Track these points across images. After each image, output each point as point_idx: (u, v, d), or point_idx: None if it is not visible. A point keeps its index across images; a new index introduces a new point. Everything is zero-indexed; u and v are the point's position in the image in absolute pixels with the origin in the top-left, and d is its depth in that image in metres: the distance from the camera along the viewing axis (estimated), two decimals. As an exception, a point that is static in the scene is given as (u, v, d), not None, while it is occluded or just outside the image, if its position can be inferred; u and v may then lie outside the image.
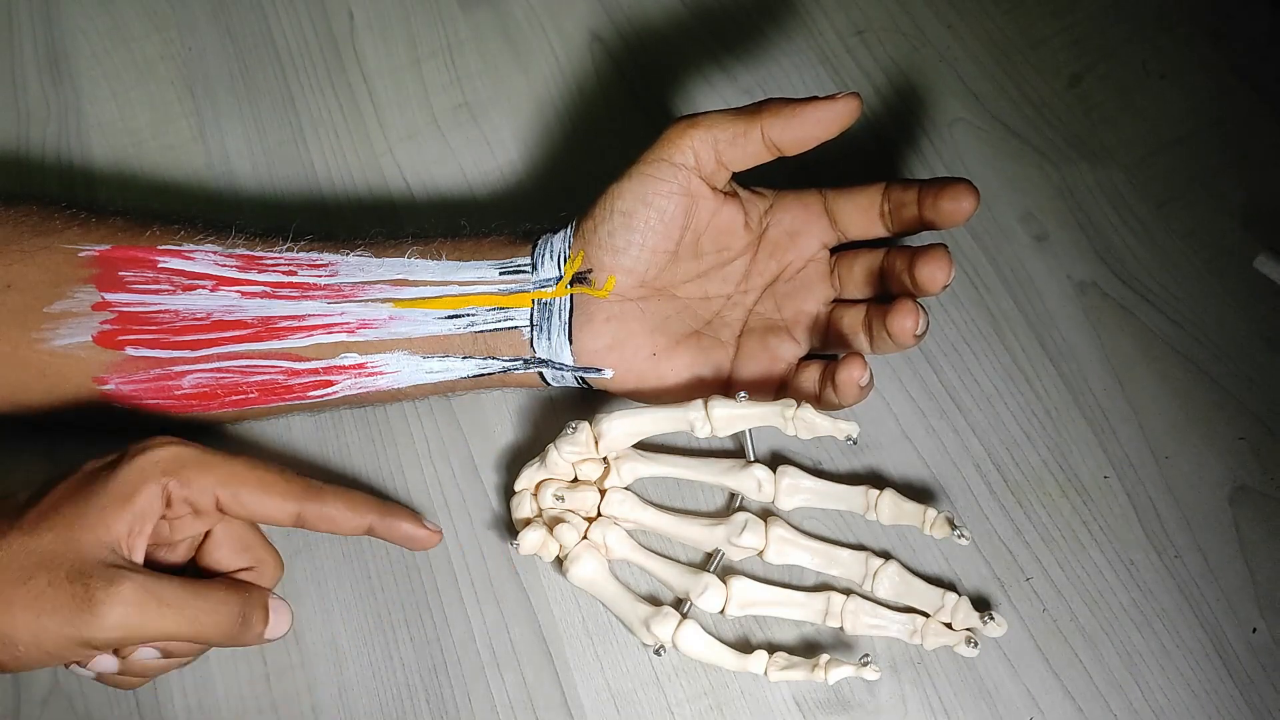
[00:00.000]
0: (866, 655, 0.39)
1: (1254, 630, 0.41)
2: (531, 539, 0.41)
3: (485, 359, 0.43)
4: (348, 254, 0.44)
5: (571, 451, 0.41)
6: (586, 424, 0.41)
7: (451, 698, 0.41)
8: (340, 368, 0.43)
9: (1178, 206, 0.49)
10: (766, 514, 0.42)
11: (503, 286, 0.43)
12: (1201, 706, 0.40)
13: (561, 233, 0.43)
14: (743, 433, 0.42)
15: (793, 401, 0.40)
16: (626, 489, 0.43)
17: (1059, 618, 0.42)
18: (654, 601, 0.42)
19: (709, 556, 0.42)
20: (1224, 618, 0.41)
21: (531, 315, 0.43)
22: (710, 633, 0.41)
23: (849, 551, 0.42)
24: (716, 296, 0.44)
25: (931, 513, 0.41)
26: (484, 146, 0.53)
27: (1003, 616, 0.41)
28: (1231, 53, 0.52)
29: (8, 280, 0.41)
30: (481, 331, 0.43)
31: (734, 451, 0.44)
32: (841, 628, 0.41)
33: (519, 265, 0.43)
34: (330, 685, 0.42)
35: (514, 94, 0.54)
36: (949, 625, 0.41)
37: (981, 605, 0.41)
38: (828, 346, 0.43)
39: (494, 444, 0.46)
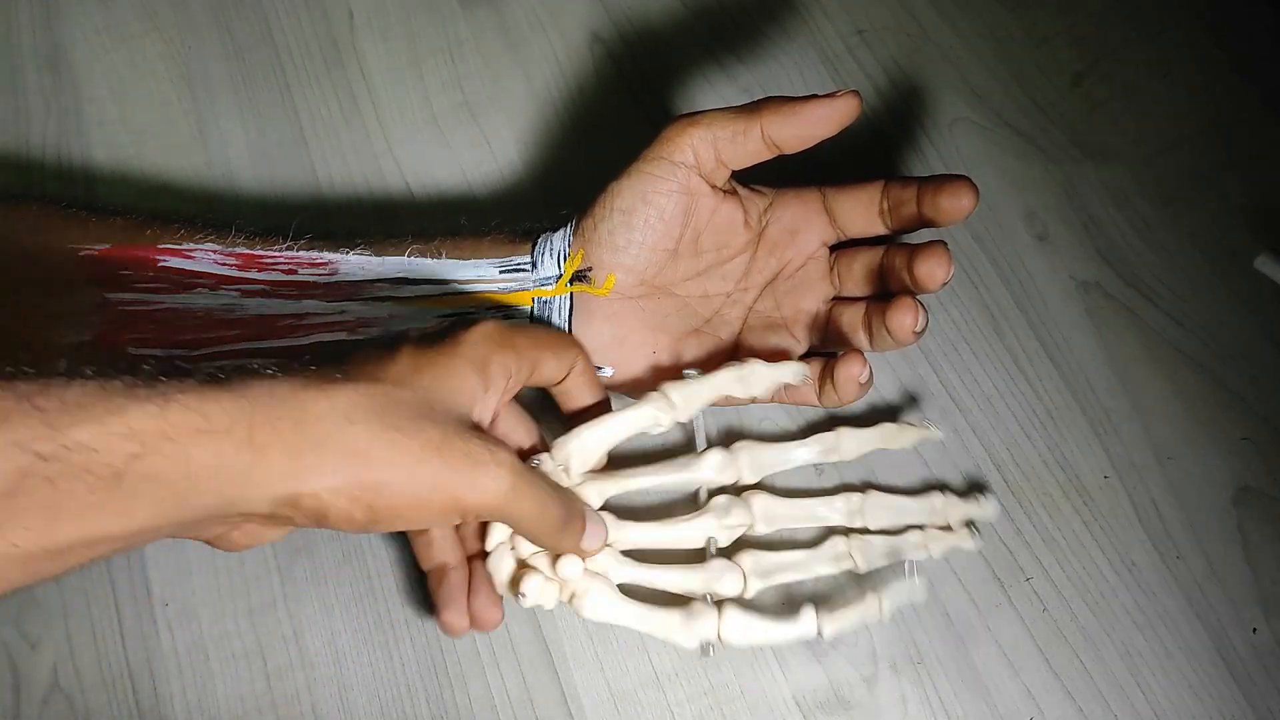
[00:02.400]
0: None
1: (1255, 631, 0.41)
2: (535, 586, 0.38)
3: None
4: (348, 253, 0.44)
5: None
6: (547, 456, 0.39)
7: (451, 698, 0.41)
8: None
9: (1180, 206, 0.49)
10: (742, 490, 0.42)
11: (503, 285, 0.43)
12: (1203, 707, 0.40)
13: (561, 231, 0.43)
14: (692, 424, 0.41)
15: (739, 362, 0.40)
16: (601, 509, 0.41)
17: (1059, 618, 0.42)
18: (679, 602, 0.40)
19: (704, 550, 0.42)
20: (1226, 619, 0.41)
21: (532, 314, 0.42)
22: (750, 612, 0.39)
23: (830, 498, 0.42)
24: (716, 294, 0.44)
25: (891, 427, 0.41)
26: (484, 146, 0.52)
27: (993, 496, 0.42)
28: (1234, 52, 0.52)
29: (8, 281, 0.41)
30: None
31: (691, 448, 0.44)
32: (856, 566, 0.41)
33: (519, 264, 0.43)
34: (330, 685, 0.42)
35: (514, 94, 0.54)
36: (948, 528, 0.41)
37: (971, 491, 0.42)
38: (827, 344, 0.43)
39: (494, 444, 0.46)
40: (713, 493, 0.42)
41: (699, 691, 0.41)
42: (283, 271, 0.43)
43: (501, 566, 0.39)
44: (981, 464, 0.44)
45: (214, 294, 0.42)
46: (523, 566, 0.39)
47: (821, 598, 0.40)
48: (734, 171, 0.42)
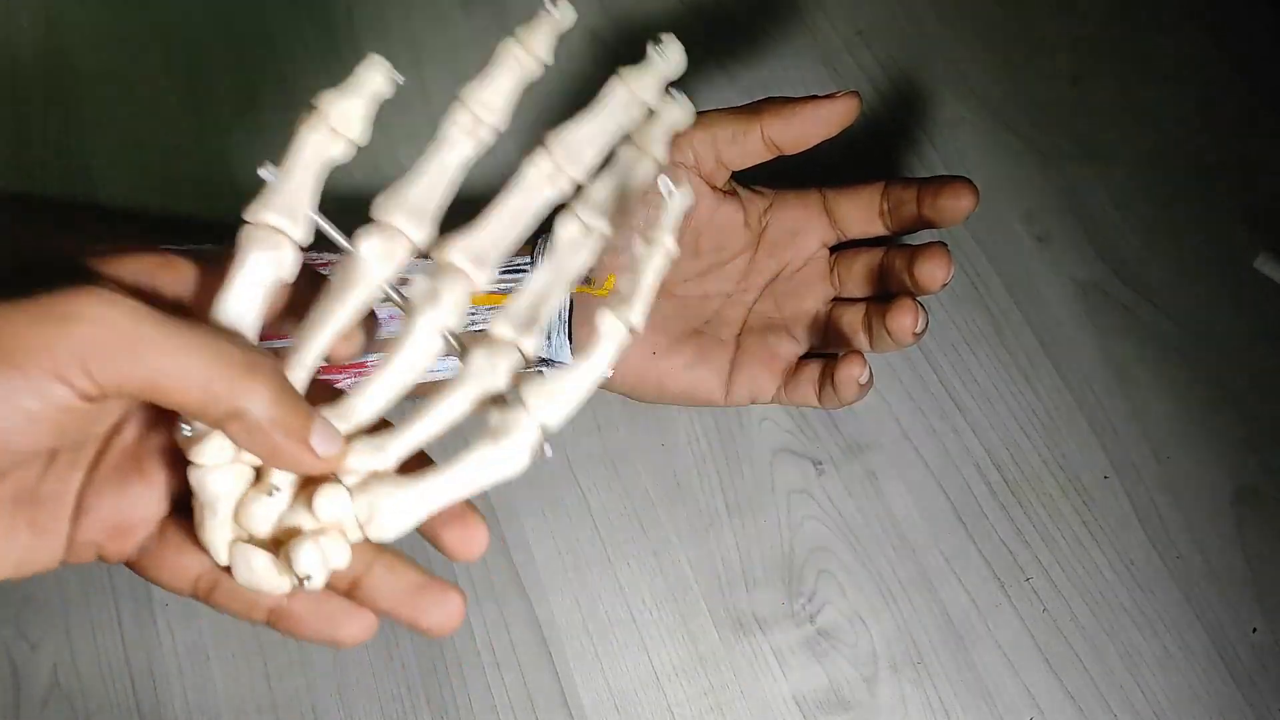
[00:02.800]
0: None
1: (1254, 630, 0.41)
2: (310, 556, 0.29)
3: None
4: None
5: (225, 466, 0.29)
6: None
7: (451, 698, 0.41)
8: (339, 367, 0.43)
9: (1180, 206, 0.49)
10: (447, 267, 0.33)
11: (502, 285, 0.43)
12: (1202, 706, 0.40)
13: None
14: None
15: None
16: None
17: (1059, 618, 0.42)
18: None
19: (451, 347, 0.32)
20: (1225, 618, 0.41)
21: None
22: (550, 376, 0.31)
23: (520, 177, 0.34)
24: (716, 295, 0.44)
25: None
26: (484, 146, 0.52)
27: (669, 39, 0.35)
28: (1234, 52, 0.52)
29: (5, 283, 0.41)
30: (482, 330, 0.43)
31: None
32: (604, 233, 0.33)
33: (519, 265, 0.43)
34: (330, 685, 0.42)
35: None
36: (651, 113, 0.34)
37: (644, 55, 0.35)
38: (827, 345, 0.43)
39: (494, 444, 0.46)
40: (458, 341, 0.33)
41: (699, 691, 0.41)
42: None
43: (244, 557, 0.29)
44: (981, 464, 0.44)
45: None
46: (276, 543, 0.29)
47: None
48: (734, 172, 0.42)
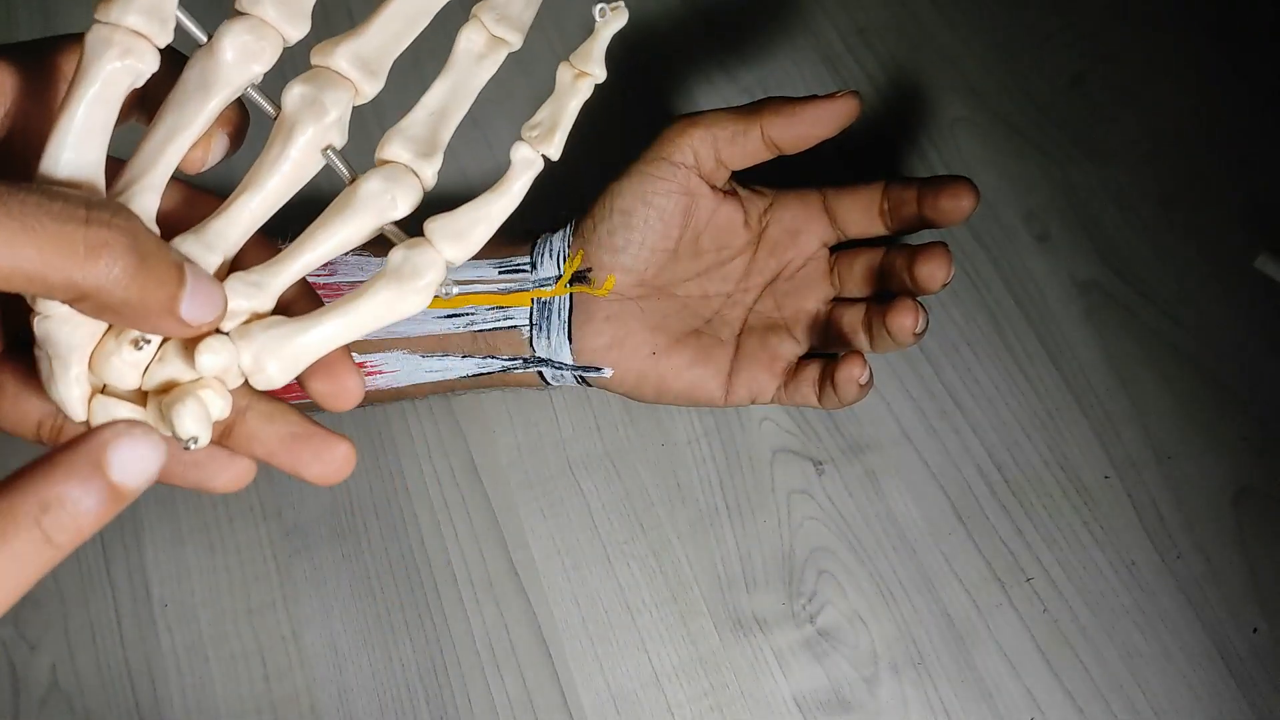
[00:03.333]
0: None
1: (1255, 630, 0.41)
2: (191, 414, 0.24)
3: (485, 358, 0.43)
4: (346, 253, 0.43)
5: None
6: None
7: (451, 698, 0.41)
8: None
9: (1180, 206, 0.49)
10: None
11: (502, 285, 0.43)
12: (1203, 707, 0.40)
13: (561, 232, 0.43)
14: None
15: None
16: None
17: (1059, 618, 0.42)
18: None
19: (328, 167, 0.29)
20: (1226, 619, 0.41)
21: (531, 314, 0.42)
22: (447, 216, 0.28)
23: None
24: (716, 295, 0.44)
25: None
26: (484, 147, 0.52)
27: None
28: (1234, 52, 0.52)
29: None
30: (481, 330, 0.43)
31: None
32: (509, 43, 0.30)
33: (518, 264, 0.43)
34: (330, 686, 0.42)
35: (514, 94, 0.54)
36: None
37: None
38: (828, 345, 0.43)
39: (494, 444, 0.46)
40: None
41: (699, 692, 0.41)
42: None
43: (108, 414, 0.25)
44: (981, 464, 0.44)
45: None
46: (141, 395, 0.26)
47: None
48: (734, 172, 0.42)
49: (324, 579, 0.44)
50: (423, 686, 0.42)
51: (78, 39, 0.24)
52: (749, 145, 0.41)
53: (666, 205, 0.41)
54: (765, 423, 0.45)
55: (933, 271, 0.40)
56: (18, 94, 0.26)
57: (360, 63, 0.28)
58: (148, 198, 0.25)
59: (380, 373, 0.43)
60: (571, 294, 0.42)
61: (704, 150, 0.41)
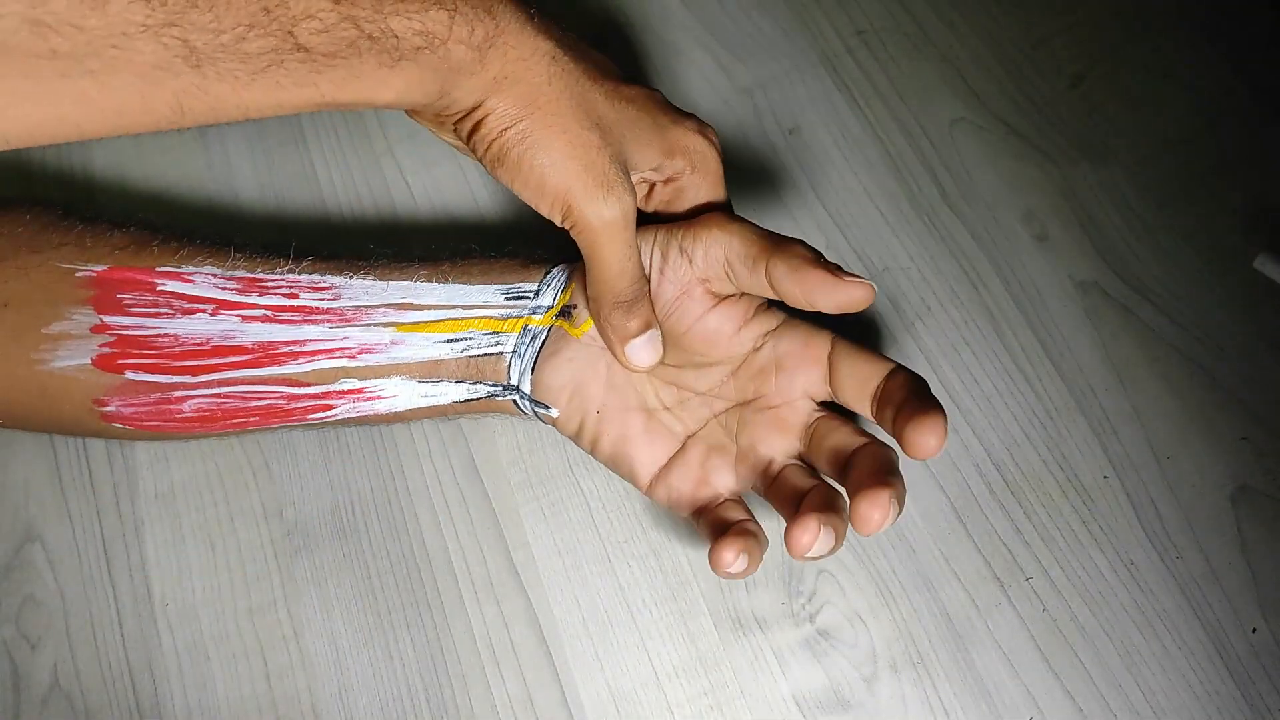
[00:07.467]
0: None
1: (1254, 630, 0.41)
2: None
3: (474, 384, 0.42)
4: (351, 277, 0.43)
5: None
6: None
7: (451, 698, 0.41)
8: (339, 393, 0.42)
9: (1179, 206, 0.49)
10: None
11: (504, 311, 0.42)
12: (1202, 707, 0.40)
13: (576, 265, 0.42)
14: None
15: None
16: None
17: (1059, 618, 0.42)
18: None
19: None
20: (1225, 618, 0.41)
21: (517, 342, 0.42)
22: None
23: None
24: (685, 389, 0.42)
25: None
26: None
27: None
28: (1232, 52, 0.52)
29: (4, 298, 0.41)
30: (474, 356, 0.42)
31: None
32: None
33: (523, 290, 0.42)
34: (330, 685, 0.42)
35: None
36: None
37: None
38: (768, 498, 0.39)
39: (494, 444, 0.46)
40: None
41: (699, 691, 0.41)
42: (284, 295, 0.42)
43: None
44: (981, 464, 0.44)
45: (214, 320, 0.42)
46: None
47: None
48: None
49: (325, 578, 0.44)
50: (423, 685, 0.42)
51: None
52: (755, 278, 0.38)
53: (661, 285, 0.40)
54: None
55: (925, 441, 0.33)
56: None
57: None
58: None
59: (379, 398, 0.42)
60: (552, 327, 0.42)
61: (715, 252, 0.38)
